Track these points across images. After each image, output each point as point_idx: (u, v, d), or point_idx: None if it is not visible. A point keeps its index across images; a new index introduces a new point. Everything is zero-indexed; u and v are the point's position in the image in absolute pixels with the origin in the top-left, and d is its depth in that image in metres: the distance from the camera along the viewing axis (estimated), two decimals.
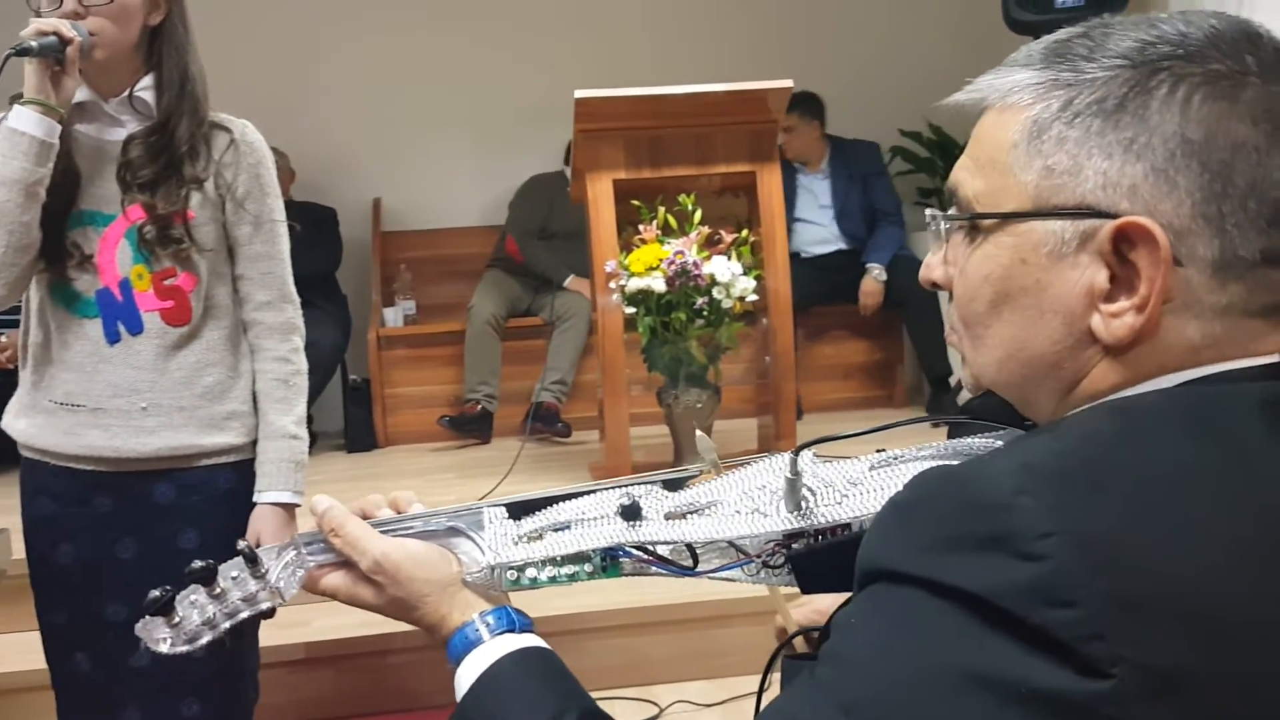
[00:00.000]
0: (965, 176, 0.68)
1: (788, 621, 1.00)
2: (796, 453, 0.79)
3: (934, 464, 0.77)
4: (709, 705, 2.37)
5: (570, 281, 4.65)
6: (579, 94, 3.29)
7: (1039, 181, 0.63)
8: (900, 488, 0.62)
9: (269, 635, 2.41)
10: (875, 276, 4.54)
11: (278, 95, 4.97)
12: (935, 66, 5.21)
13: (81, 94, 1.65)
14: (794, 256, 4.60)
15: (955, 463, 0.62)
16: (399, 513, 0.89)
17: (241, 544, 0.84)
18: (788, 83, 3.37)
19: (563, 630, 2.48)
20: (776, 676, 0.84)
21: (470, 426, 4.47)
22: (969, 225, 0.68)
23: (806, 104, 4.62)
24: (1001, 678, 0.52)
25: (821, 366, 4.82)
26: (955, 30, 4.95)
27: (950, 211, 0.70)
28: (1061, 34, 0.66)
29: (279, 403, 1.77)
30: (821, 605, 0.97)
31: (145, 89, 1.69)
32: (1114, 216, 0.60)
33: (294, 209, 4.94)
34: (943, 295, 0.74)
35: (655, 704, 2.43)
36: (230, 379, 1.77)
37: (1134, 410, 0.60)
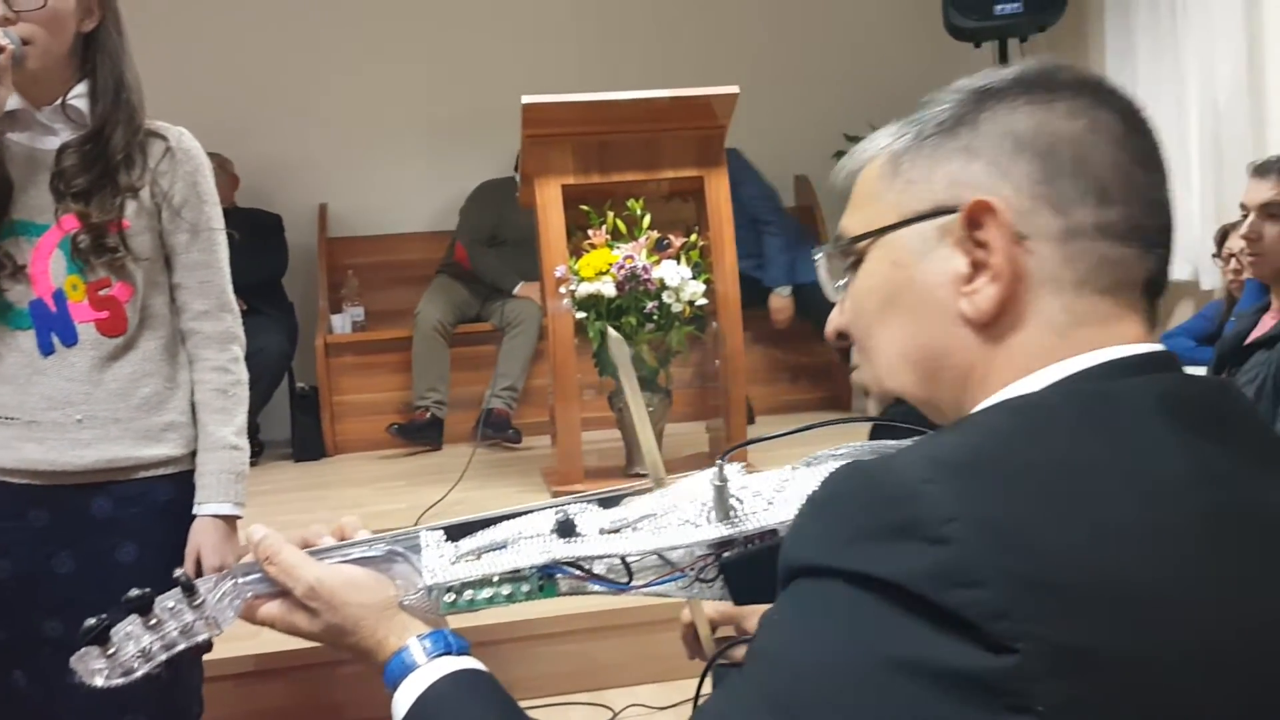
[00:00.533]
0: (846, 221, 0.77)
1: (701, 627, 1.02)
2: (721, 459, 0.80)
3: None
4: (662, 708, 2.38)
5: (520, 288, 4.64)
6: (526, 99, 3.28)
7: (900, 197, 0.72)
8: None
9: (217, 648, 2.38)
10: (779, 294, 4.62)
11: (221, 101, 4.91)
12: (878, 72, 5.33)
13: (13, 102, 1.61)
14: None
15: (868, 458, 0.64)
16: (341, 539, 0.89)
17: (178, 573, 0.84)
18: (733, 88, 3.39)
19: (514, 638, 2.47)
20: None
21: (420, 434, 4.44)
22: (849, 254, 0.76)
23: None
24: (918, 660, 0.53)
25: (771, 369, 4.86)
26: (898, 36, 5.02)
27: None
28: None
29: (218, 413, 1.75)
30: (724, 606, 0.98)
31: (79, 97, 1.66)
32: (962, 208, 0.68)
33: (238, 215, 4.92)
34: None
35: (609, 708, 2.43)
36: (168, 390, 1.74)
37: (1032, 407, 0.64)
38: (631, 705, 2.41)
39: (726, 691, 0.61)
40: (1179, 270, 4.14)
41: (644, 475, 0.90)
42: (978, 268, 0.68)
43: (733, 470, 0.82)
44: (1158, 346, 0.69)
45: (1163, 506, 0.58)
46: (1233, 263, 2.25)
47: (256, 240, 4.57)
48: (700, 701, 0.89)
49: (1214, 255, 3.48)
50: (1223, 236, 3.31)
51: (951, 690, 0.52)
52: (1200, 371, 2.49)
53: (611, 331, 0.97)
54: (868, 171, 0.76)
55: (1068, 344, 0.67)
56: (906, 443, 0.79)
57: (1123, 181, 0.68)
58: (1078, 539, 0.55)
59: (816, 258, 0.80)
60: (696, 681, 0.96)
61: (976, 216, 0.67)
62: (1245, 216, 2.26)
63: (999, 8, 4.05)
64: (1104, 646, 0.53)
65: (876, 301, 0.74)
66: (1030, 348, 0.67)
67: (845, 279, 0.77)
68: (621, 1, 5.38)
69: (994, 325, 0.68)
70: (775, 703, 0.57)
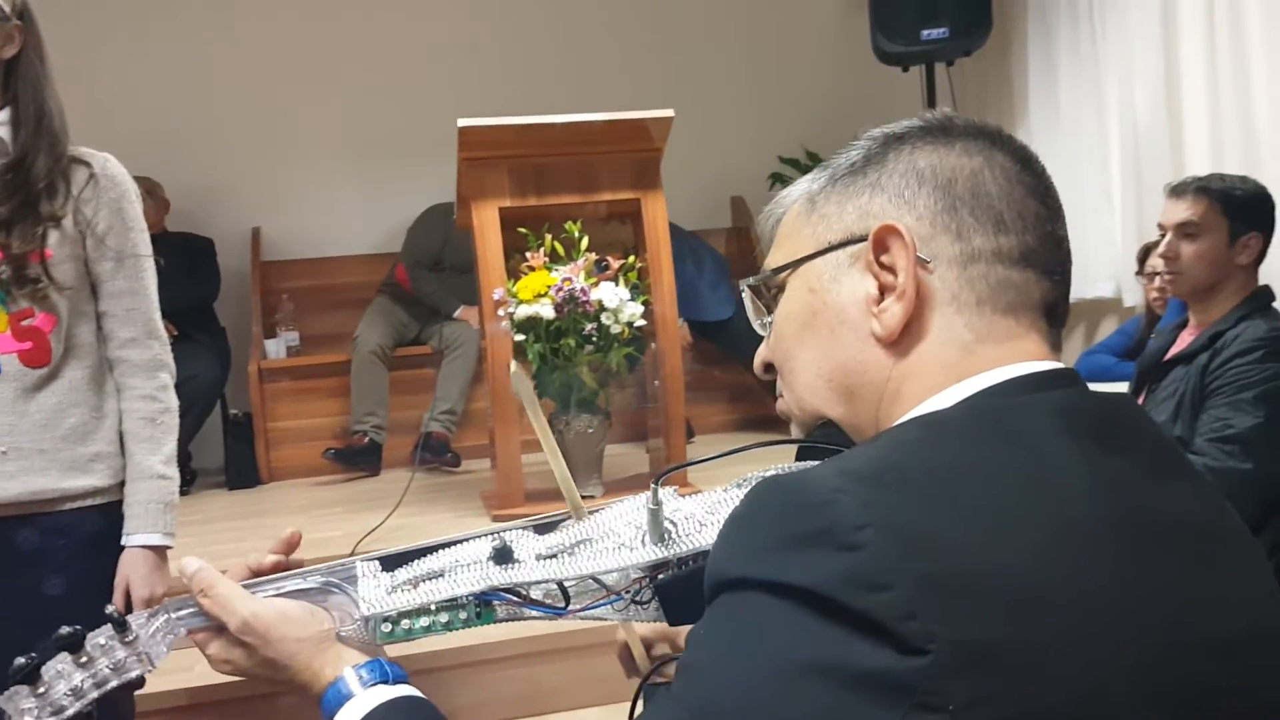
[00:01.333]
0: (767, 260, 0.83)
1: (635, 647, 1.03)
2: (655, 483, 0.82)
3: None
4: None
5: (460, 311, 4.63)
6: (462, 122, 3.28)
7: (816, 230, 0.78)
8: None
9: (150, 682, 2.32)
10: (683, 331, 4.66)
11: (151, 124, 4.84)
12: (810, 95, 5.42)
13: None
14: None
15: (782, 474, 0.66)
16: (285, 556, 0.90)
17: (110, 609, 0.83)
18: (668, 112, 3.43)
19: (457, 664, 2.45)
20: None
21: (358, 459, 4.39)
22: (770, 287, 0.82)
23: None
24: (835, 664, 0.55)
25: (711, 389, 4.89)
26: (828, 61, 5.11)
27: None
28: None
29: (146, 442, 1.72)
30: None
31: (0, 125, 1.63)
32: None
33: (169, 239, 4.83)
34: None
35: None
36: (94, 420, 1.71)
37: (938, 422, 0.68)
38: None
39: (654, 707, 0.63)
40: (1103, 288, 4.26)
41: (588, 496, 0.91)
42: (885, 289, 0.73)
43: (667, 494, 0.84)
44: (1059, 364, 0.73)
45: (1062, 508, 0.61)
46: (1156, 280, 2.32)
47: (188, 264, 4.50)
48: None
49: (1136, 273, 3.59)
50: (1144, 255, 3.42)
51: (866, 692, 0.54)
52: (1122, 387, 2.57)
53: (513, 364, 0.98)
54: (787, 216, 0.83)
55: (973, 359, 0.71)
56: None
57: (1017, 212, 0.73)
58: (982, 540, 0.58)
59: (742, 292, 0.85)
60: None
61: (883, 241, 0.73)
62: (1163, 236, 2.33)
63: (925, 33, 4.15)
64: (1010, 642, 0.55)
65: (795, 326, 0.79)
66: (937, 364, 0.72)
67: (771, 316, 0.82)
68: (557, 26, 5.40)
69: (901, 342, 0.73)
70: (697, 714, 0.58)
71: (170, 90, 5.02)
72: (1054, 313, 0.75)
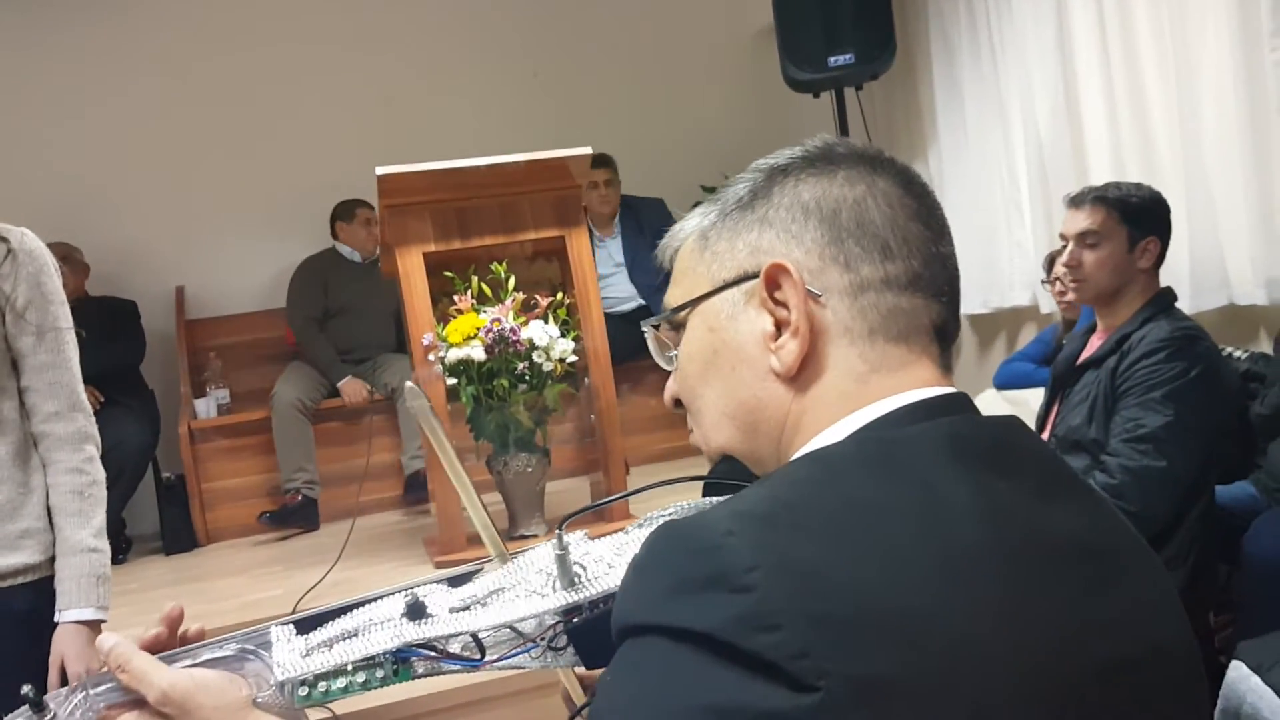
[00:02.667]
0: (666, 297, 0.84)
1: (570, 685, 1.05)
2: (560, 526, 0.83)
3: None
4: None
5: (344, 383, 4.57)
6: (380, 170, 3.29)
7: (710, 268, 0.80)
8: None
9: None
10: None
11: (67, 187, 4.77)
12: (728, 124, 5.51)
13: None
14: (606, 316, 4.75)
15: (678, 518, 0.68)
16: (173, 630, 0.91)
17: (26, 689, 0.82)
18: (586, 150, 3.47)
19: (402, 716, 2.43)
20: None
21: (294, 518, 4.32)
22: (671, 325, 0.83)
23: (611, 161, 4.85)
24: (731, 706, 0.56)
25: (645, 419, 4.92)
26: (742, 91, 5.21)
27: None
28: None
29: (75, 516, 1.70)
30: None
31: None
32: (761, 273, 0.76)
33: (91, 305, 4.74)
34: None
35: None
36: (21, 495, 1.69)
37: (829, 457, 0.69)
38: None
39: None
40: (1019, 296, 4.38)
41: (529, 536, 0.93)
42: (781, 325, 0.75)
43: (576, 537, 0.85)
44: (949, 389, 0.75)
45: (950, 541, 0.62)
46: (1058, 285, 2.40)
47: (111, 328, 4.43)
48: None
49: (1043, 281, 3.70)
50: (1050, 263, 3.53)
51: None
52: (1039, 392, 2.64)
53: (408, 383, 1.00)
54: (682, 250, 0.84)
55: (867, 389, 0.73)
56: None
57: (902, 238, 0.75)
58: (869, 575, 0.59)
59: (645, 332, 0.86)
60: None
61: (774, 278, 0.74)
62: (1065, 246, 2.42)
63: (832, 59, 4.25)
64: (900, 676, 0.56)
65: (698, 365, 0.80)
66: (833, 396, 0.74)
67: (675, 351, 0.83)
68: (472, 72, 5.43)
69: (800, 377, 0.74)
70: None
71: (85, 153, 4.95)
72: (944, 333, 0.77)
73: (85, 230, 4.62)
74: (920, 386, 0.74)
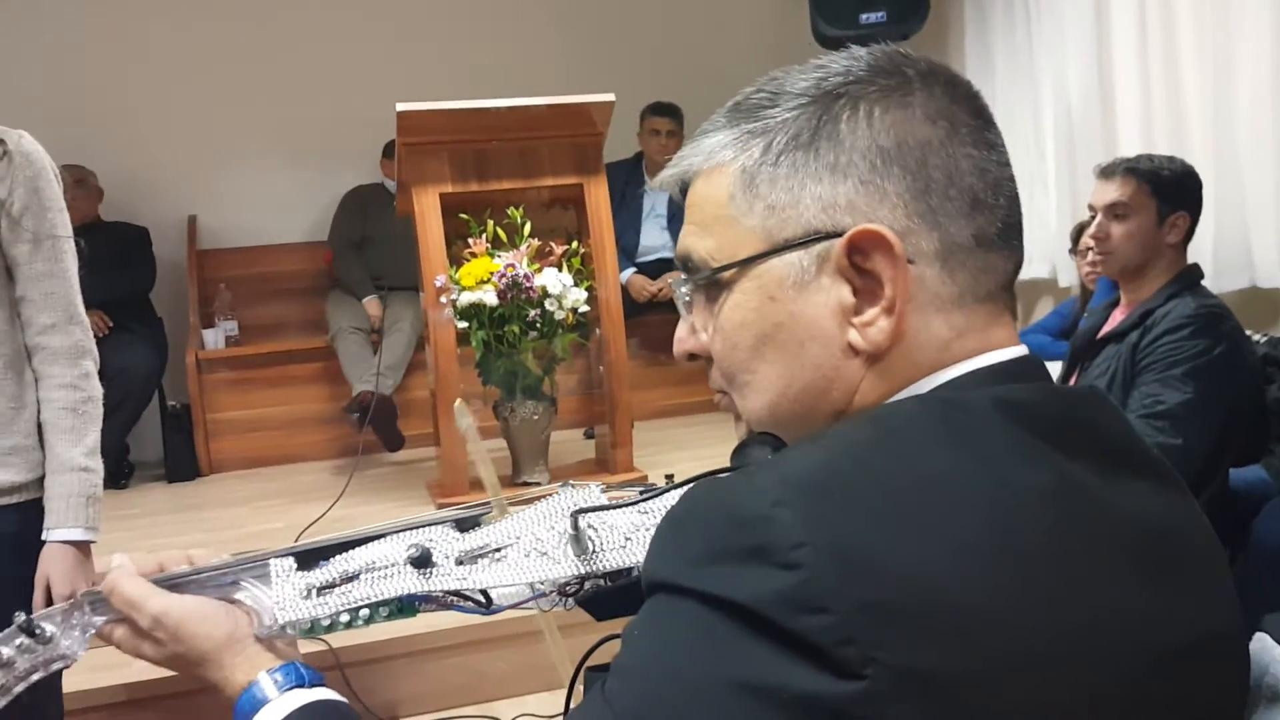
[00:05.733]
0: (694, 241, 0.71)
1: (548, 629, 1.01)
2: (575, 518, 0.80)
3: None
4: (550, 717, 2.38)
5: (367, 301, 4.63)
6: (400, 107, 3.24)
7: (765, 222, 0.67)
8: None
9: (86, 678, 2.28)
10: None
11: (84, 111, 4.72)
12: (749, 77, 5.41)
13: None
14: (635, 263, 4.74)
15: (723, 476, 0.63)
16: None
17: (19, 618, 0.81)
18: (609, 96, 3.42)
19: (400, 654, 2.43)
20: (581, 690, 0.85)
21: (375, 420, 4.14)
22: (711, 284, 0.70)
23: (679, 112, 4.86)
24: (765, 683, 0.53)
25: (653, 373, 4.90)
26: (767, 44, 5.11)
27: (685, 278, 0.73)
28: (738, 96, 0.72)
29: (67, 433, 1.63)
30: None
31: None
32: (841, 234, 0.65)
33: (103, 229, 4.72)
34: None
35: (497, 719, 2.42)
36: (13, 410, 1.62)
37: (889, 419, 0.63)
38: (521, 715, 2.41)
39: (586, 705, 0.61)
40: (1038, 268, 4.33)
41: (532, 484, 0.90)
42: (863, 295, 0.65)
43: (594, 491, 0.82)
44: (1023, 351, 0.69)
45: (1010, 522, 0.58)
46: (1089, 256, 2.36)
47: (122, 254, 4.41)
48: (570, 707, 0.89)
49: (1070, 251, 3.65)
50: (1078, 234, 3.47)
51: (799, 715, 0.53)
52: (1055, 365, 2.61)
53: (458, 401, 0.97)
54: (709, 186, 0.70)
55: (948, 355, 0.66)
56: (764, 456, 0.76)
57: (989, 183, 0.67)
58: (925, 561, 0.55)
59: (679, 290, 0.74)
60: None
61: (861, 245, 0.64)
62: (1094, 216, 2.38)
63: (864, 17, 4.18)
64: (950, 668, 0.53)
65: (751, 337, 0.69)
66: (909, 366, 0.66)
67: (689, 299, 0.74)
68: (494, 10, 5.35)
69: (884, 354, 0.66)
70: (627, 718, 0.57)
71: (103, 77, 4.89)
72: (1014, 280, 0.70)
73: (100, 154, 4.58)
74: (999, 348, 0.67)
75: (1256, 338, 2.88)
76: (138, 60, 4.97)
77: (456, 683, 2.48)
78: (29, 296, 1.63)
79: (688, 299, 0.74)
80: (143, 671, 2.41)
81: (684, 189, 0.73)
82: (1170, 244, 2.34)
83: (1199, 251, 2.98)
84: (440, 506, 3.32)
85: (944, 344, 0.66)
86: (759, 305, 0.68)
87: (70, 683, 1.96)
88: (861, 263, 0.65)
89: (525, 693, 2.48)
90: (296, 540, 2.62)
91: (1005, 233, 0.67)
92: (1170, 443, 2.13)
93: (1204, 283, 2.37)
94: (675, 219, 4.92)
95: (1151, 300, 2.31)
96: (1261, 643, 0.72)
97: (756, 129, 0.68)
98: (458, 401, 0.94)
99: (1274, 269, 3.18)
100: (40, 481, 1.65)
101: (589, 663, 0.78)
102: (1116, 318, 2.42)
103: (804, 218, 0.66)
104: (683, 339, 0.76)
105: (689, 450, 4.11)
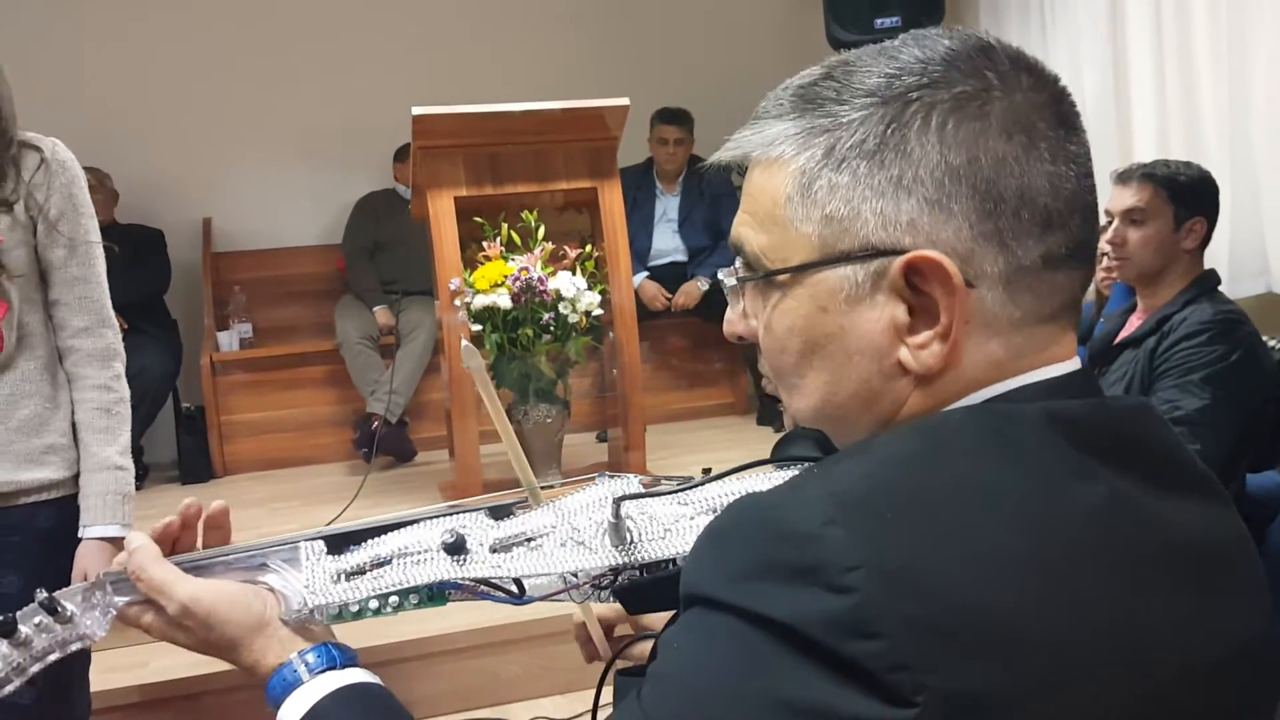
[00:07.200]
0: (748, 233, 0.69)
1: (589, 618, 1.01)
2: (617, 504, 0.79)
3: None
4: None
5: (377, 311, 4.60)
6: (416, 110, 3.25)
7: (821, 230, 0.64)
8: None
9: (103, 679, 2.29)
10: (698, 284, 4.69)
11: (100, 113, 4.74)
12: (761, 80, 5.38)
13: None
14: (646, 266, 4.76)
15: (766, 489, 0.63)
16: (218, 527, 0.87)
17: (40, 595, 0.80)
18: (624, 101, 3.42)
19: (413, 655, 2.44)
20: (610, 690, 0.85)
21: (383, 444, 4.17)
22: (765, 285, 0.69)
23: (689, 120, 4.85)
24: (810, 705, 0.53)
25: (666, 377, 4.90)
26: (782, 48, 5.10)
27: (739, 267, 0.71)
28: (804, 78, 0.68)
29: (101, 433, 1.69)
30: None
31: None
32: (899, 253, 0.62)
33: (118, 231, 4.74)
34: None
35: None
36: (48, 410, 1.67)
37: (938, 430, 0.62)
38: (535, 718, 2.41)
39: (621, 714, 0.60)
40: None
41: (546, 486, 0.90)
42: (918, 315, 0.63)
43: (631, 482, 0.82)
44: (1076, 365, 0.67)
45: (1061, 539, 0.57)
46: (1104, 261, 2.36)
47: (137, 256, 4.42)
48: (599, 707, 0.89)
49: None
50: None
51: None
52: None
53: (464, 341, 0.97)
54: (767, 179, 0.67)
55: (1001, 373, 0.64)
56: (805, 465, 0.76)
57: (1064, 200, 0.63)
58: (975, 582, 0.54)
59: (728, 283, 0.73)
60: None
61: (919, 269, 0.62)
62: (1110, 222, 2.37)
63: (878, 21, 4.18)
64: (999, 689, 0.53)
65: (799, 344, 0.68)
66: (960, 385, 0.65)
67: (752, 292, 0.71)
68: (512, 14, 5.36)
69: (935, 376, 0.64)
70: None
71: (119, 80, 4.92)
72: (1082, 297, 0.67)
73: (115, 157, 4.60)
74: (1053, 364, 0.65)
75: (1272, 343, 2.87)
76: (153, 62, 4.99)
77: (469, 685, 2.49)
78: (63, 300, 1.68)
79: (738, 285, 0.72)
80: (158, 672, 2.42)
81: (741, 169, 0.71)
82: (1187, 249, 2.33)
83: (1215, 257, 2.96)
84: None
85: (998, 364, 0.64)
86: (809, 314, 0.66)
87: None
88: (919, 284, 0.62)
89: (539, 695, 2.48)
90: None
91: (1077, 251, 0.64)
92: (1189, 448, 2.13)
93: (1220, 288, 2.37)
94: (686, 223, 4.92)
95: (1169, 306, 2.30)
96: None
97: (820, 126, 0.65)
98: (464, 342, 0.93)
99: None
100: (75, 479, 1.70)
101: (619, 664, 0.78)
102: (1133, 323, 2.41)
103: (862, 232, 0.63)
104: (733, 321, 0.73)
105: (702, 454, 4.11)
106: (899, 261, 0.62)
